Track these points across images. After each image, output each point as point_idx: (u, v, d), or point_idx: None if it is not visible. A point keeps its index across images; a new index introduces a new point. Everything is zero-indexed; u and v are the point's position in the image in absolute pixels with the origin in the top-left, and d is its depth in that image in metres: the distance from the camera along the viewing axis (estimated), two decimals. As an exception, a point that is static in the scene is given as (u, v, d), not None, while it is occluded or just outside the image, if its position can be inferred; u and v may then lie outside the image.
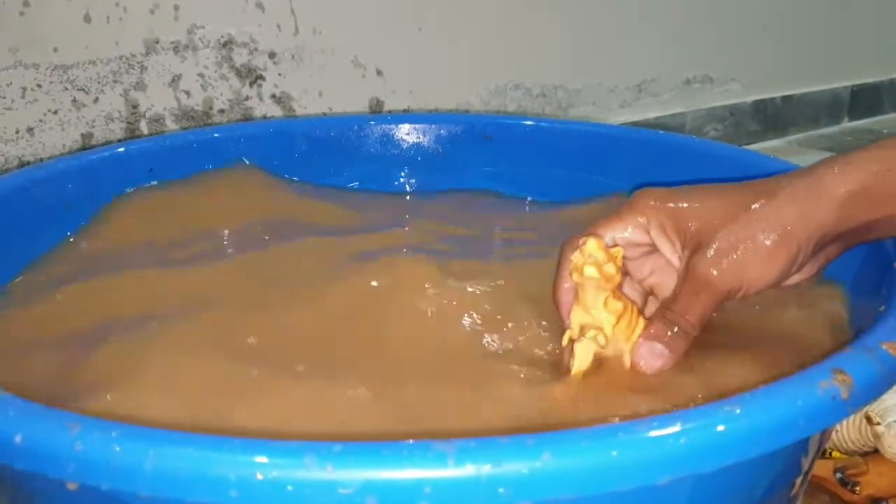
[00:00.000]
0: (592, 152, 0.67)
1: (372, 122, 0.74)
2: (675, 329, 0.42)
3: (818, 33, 1.74)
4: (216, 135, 0.69)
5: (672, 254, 0.45)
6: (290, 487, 0.25)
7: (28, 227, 0.56)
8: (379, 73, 1.15)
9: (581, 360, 0.42)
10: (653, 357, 0.42)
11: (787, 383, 0.30)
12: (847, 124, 1.84)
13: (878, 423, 0.59)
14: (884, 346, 0.33)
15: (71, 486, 0.27)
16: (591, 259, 0.41)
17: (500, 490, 0.26)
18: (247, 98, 1.05)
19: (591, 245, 0.41)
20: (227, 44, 1.02)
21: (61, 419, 0.27)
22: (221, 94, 1.03)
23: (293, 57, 1.08)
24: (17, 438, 0.26)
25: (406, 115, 0.92)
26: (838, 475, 0.60)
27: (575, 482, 0.26)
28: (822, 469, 0.62)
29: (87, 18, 0.92)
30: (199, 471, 0.26)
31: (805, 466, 0.38)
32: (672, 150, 0.64)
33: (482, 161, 0.75)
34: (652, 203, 0.45)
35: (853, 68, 1.85)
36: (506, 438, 0.26)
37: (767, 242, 0.42)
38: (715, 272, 0.42)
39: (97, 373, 0.40)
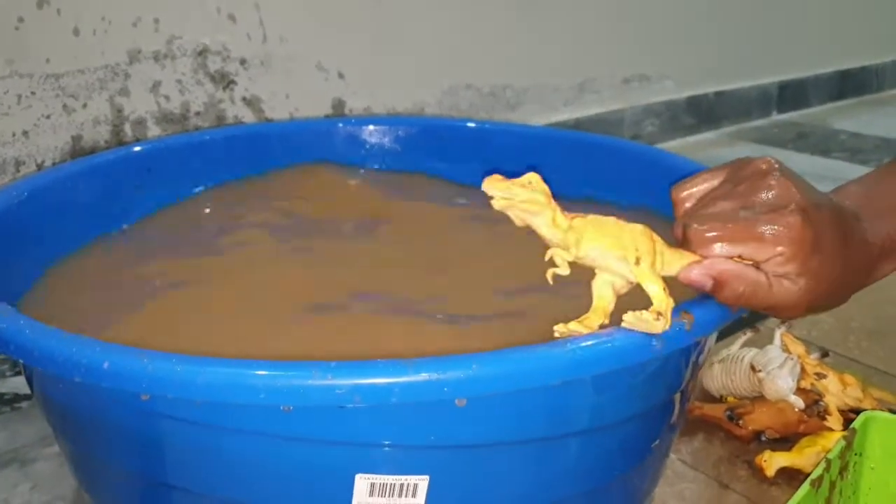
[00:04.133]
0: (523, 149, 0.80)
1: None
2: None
3: (747, 32, 1.87)
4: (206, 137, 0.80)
5: None
6: (302, 391, 0.37)
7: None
8: (341, 76, 1.26)
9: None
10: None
11: (648, 319, 0.43)
12: (775, 117, 1.98)
13: (760, 371, 0.72)
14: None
15: (144, 397, 0.38)
16: (493, 195, 0.42)
17: (445, 389, 0.38)
18: (220, 101, 1.15)
19: (486, 185, 0.42)
20: (203, 52, 1.12)
21: (138, 353, 0.38)
22: (197, 98, 1.13)
23: (262, 63, 1.18)
24: (105, 364, 0.38)
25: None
26: (727, 413, 0.72)
27: (493, 384, 0.38)
28: (718, 411, 0.75)
29: (76, 32, 1.02)
30: (239, 382, 0.37)
31: (678, 386, 0.50)
32: (594, 148, 0.78)
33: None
34: None
35: (780, 65, 1.98)
36: (449, 357, 0.38)
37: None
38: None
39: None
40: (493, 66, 1.45)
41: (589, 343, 0.40)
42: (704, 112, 1.81)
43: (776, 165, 0.47)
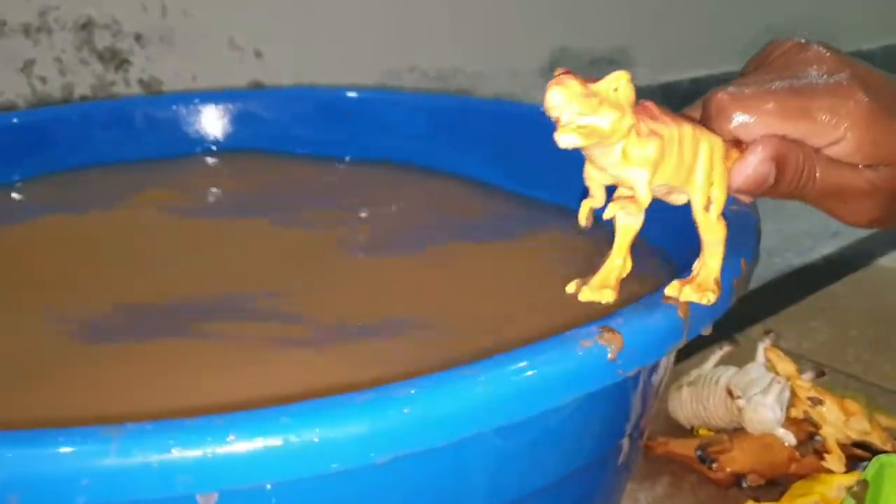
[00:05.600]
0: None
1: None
2: None
3: (728, 11, 1.75)
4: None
5: None
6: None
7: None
8: (258, 54, 1.11)
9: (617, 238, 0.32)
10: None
11: (548, 343, 0.26)
12: (756, 105, 1.86)
13: (739, 397, 0.57)
14: (669, 300, 0.29)
15: None
16: (556, 114, 0.28)
17: (181, 478, 0.21)
18: (112, 83, 1.00)
19: (551, 95, 0.28)
20: (87, 26, 0.97)
21: None
22: (83, 80, 0.97)
23: (162, 39, 1.02)
24: None
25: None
26: (698, 453, 0.57)
27: (273, 467, 0.22)
28: (688, 448, 0.59)
29: (-79, -1, 0.86)
30: None
31: (620, 433, 0.35)
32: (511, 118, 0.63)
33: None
34: None
35: (759, 48, 1.87)
36: (191, 420, 0.22)
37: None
38: None
39: None
40: (442, 46, 1.31)
41: (450, 382, 0.24)
42: (680, 100, 1.69)
43: (812, 40, 0.36)
